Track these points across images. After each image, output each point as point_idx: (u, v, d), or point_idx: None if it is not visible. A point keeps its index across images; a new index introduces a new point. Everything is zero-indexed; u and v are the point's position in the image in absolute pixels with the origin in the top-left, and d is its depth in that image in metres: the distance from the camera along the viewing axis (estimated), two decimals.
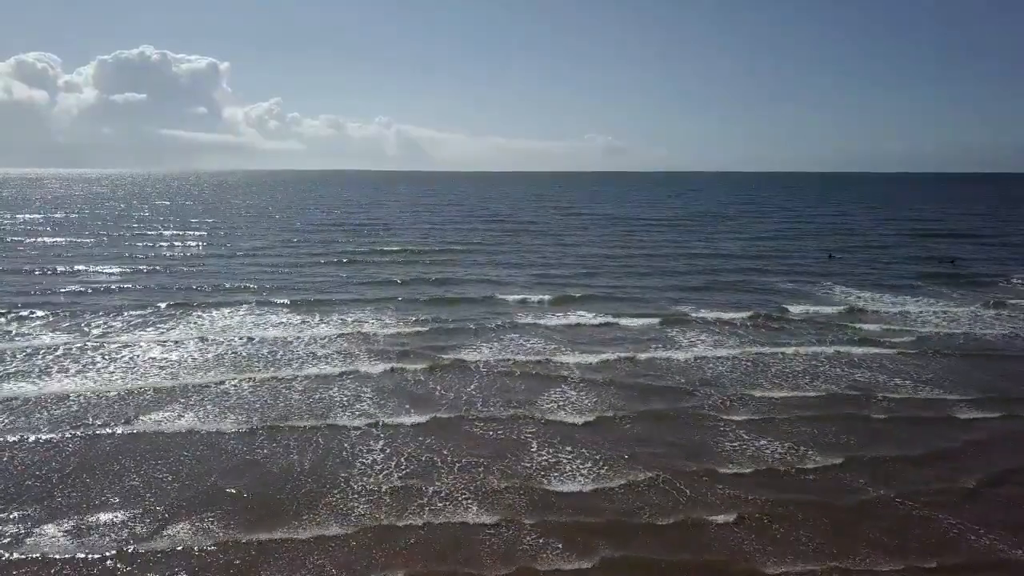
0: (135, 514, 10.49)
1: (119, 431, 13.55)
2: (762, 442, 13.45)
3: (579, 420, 14.42)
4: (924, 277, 33.10)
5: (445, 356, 18.80)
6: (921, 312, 25.15)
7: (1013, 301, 27.42)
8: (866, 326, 22.92)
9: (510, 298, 26.83)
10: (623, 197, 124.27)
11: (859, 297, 28.21)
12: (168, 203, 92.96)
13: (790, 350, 19.85)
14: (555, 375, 17.39)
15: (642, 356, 19.06)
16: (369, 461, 12.38)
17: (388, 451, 12.81)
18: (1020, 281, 32.32)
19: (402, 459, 12.47)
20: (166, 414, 14.42)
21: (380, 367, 17.70)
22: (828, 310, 25.33)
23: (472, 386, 16.45)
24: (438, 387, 16.38)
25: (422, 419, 14.29)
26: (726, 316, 24.07)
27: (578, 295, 27.63)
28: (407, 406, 15.05)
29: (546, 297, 27.14)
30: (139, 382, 16.32)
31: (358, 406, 15.03)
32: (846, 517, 10.74)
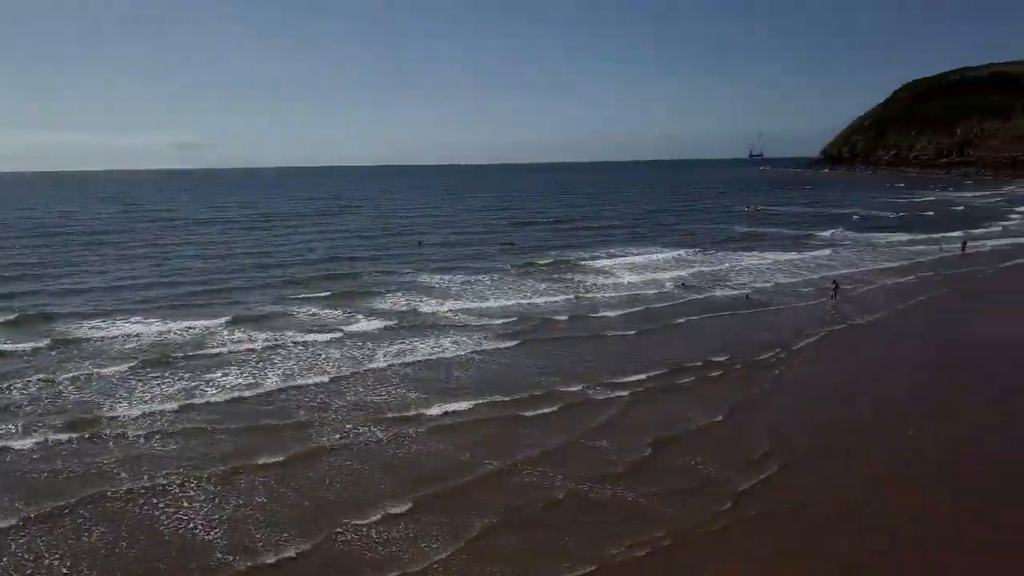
0: None
1: None
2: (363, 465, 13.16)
3: (149, 483, 12.33)
4: (504, 262, 36.51)
5: None
6: (506, 304, 26.67)
7: (578, 279, 31.53)
8: (454, 316, 24.30)
9: (70, 328, 22.52)
10: (202, 197, 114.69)
11: (440, 282, 30.46)
12: None
13: (379, 348, 20.27)
14: (106, 417, 15.15)
15: (219, 380, 17.57)
16: None
17: None
18: (593, 262, 36.89)
19: None
20: None
21: None
22: (420, 305, 26.09)
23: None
24: None
25: None
26: (322, 315, 24.21)
27: (155, 316, 24.33)
28: None
29: (111, 323, 23.27)
30: None
31: None
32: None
